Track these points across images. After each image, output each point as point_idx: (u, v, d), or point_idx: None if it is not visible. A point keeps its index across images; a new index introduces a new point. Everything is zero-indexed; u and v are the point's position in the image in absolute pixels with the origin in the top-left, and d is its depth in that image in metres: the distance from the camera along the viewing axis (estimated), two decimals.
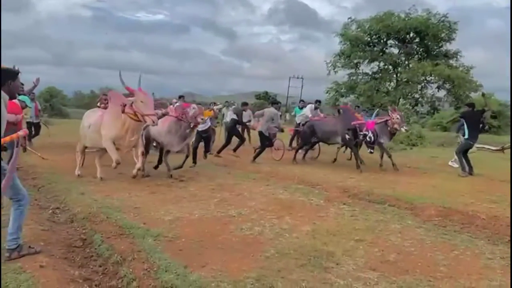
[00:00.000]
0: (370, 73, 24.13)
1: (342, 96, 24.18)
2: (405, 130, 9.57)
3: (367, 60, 23.66)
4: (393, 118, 8.66)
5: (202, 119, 7.04)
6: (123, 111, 5.80)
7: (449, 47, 22.64)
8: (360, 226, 4.38)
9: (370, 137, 8.23)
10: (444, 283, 2.94)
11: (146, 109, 5.69)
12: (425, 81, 22.52)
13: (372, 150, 8.52)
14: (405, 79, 22.25)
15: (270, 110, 9.33)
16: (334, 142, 9.35)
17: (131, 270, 3.01)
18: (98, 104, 8.65)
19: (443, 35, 21.92)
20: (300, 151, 9.81)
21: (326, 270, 3.13)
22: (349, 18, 24.15)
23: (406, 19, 21.96)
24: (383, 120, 8.87)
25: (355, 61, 23.82)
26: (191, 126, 6.84)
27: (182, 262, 3.14)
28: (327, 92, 24.70)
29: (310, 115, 10.39)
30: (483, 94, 11.91)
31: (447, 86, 21.64)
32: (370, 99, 22.23)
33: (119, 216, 4.36)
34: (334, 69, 24.46)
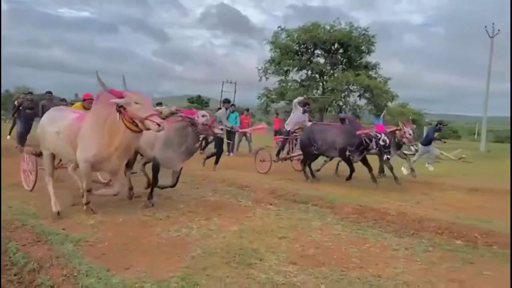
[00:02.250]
0: (299, 80, 25.19)
1: (273, 102, 24.95)
2: (415, 149, 8.90)
3: (296, 68, 24.67)
4: (405, 132, 7.75)
5: (221, 129, 5.64)
6: (119, 112, 4.16)
7: (370, 59, 24.48)
8: (284, 224, 4.60)
9: (384, 140, 6.96)
10: (355, 272, 3.23)
11: (144, 110, 4.10)
12: (348, 90, 24.05)
13: (389, 156, 7.14)
14: (331, 87, 23.55)
15: (220, 111, 9.16)
16: (332, 156, 8.14)
17: (48, 277, 2.88)
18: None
19: (363, 47, 23.63)
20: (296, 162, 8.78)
21: (250, 266, 3.26)
22: (279, 27, 25.05)
23: (331, 30, 23.33)
24: (393, 129, 7.84)
25: (285, 68, 24.71)
26: (200, 138, 5.51)
27: (105, 266, 3.07)
28: (258, 98, 25.36)
29: (299, 120, 9.03)
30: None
31: (367, 95, 23.33)
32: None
33: (36, 223, 4.12)
34: (265, 75, 25.18)
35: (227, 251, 3.56)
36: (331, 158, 8.66)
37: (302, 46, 24.60)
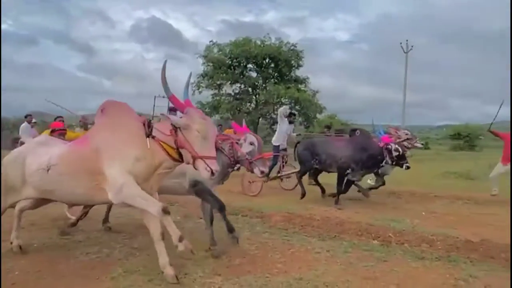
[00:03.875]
0: (233, 94, 25.46)
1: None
2: (422, 144, 8.30)
3: (229, 82, 24.92)
4: (401, 137, 7.36)
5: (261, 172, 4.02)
6: (148, 135, 3.13)
7: (300, 73, 25.51)
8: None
9: (397, 149, 6.31)
10: (278, 277, 3.31)
11: (204, 147, 3.00)
12: (280, 103, 24.77)
13: (408, 165, 6.41)
14: (263, 100, 24.12)
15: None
16: (333, 171, 7.07)
17: None
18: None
19: (293, 62, 24.60)
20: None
21: (185, 275, 3.22)
22: (210, 41, 25.23)
23: (262, 45, 24.00)
24: (402, 140, 7.27)
25: (218, 82, 24.86)
26: (235, 167, 4.21)
27: None
28: None
29: (287, 133, 8.45)
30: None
31: (297, 107, 24.22)
32: (234, 118, 23.41)
33: None
34: (198, 89, 25.09)
35: (150, 269, 3.46)
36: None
37: (235, 60, 24.95)
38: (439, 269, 3.62)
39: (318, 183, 7.52)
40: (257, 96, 25.09)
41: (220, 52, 24.63)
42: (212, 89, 25.20)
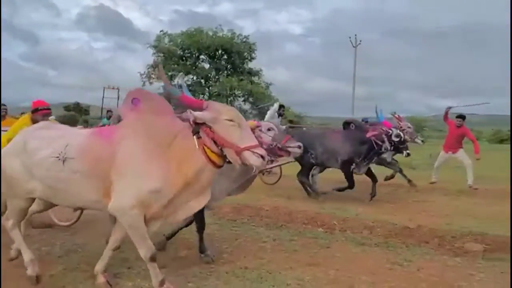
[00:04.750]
0: (185, 85, 25.09)
1: None
2: (422, 141, 8.20)
3: (181, 73, 24.50)
4: (402, 128, 7.11)
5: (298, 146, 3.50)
6: (196, 133, 2.61)
7: (253, 65, 25.61)
8: (161, 230, 4.52)
9: (397, 135, 6.07)
10: (223, 267, 3.35)
11: (244, 136, 2.59)
12: (233, 95, 24.78)
13: (408, 151, 6.34)
14: (216, 92, 24.00)
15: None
16: (331, 166, 6.88)
17: None
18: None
19: (245, 54, 24.65)
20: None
21: (116, 275, 3.14)
22: (161, 31, 24.64)
23: (214, 37, 23.80)
24: (402, 129, 6.99)
25: (170, 73, 24.35)
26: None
27: None
28: None
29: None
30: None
31: (251, 99, 24.39)
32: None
33: None
34: (149, 80, 24.45)
35: (92, 265, 3.35)
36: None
37: (187, 51, 24.57)
38: (377, 254, 3.82)
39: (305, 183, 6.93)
40: (209, 88, 24.92)
41: (171, 43, 24.15)
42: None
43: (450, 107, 8.08)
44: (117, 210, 2.64)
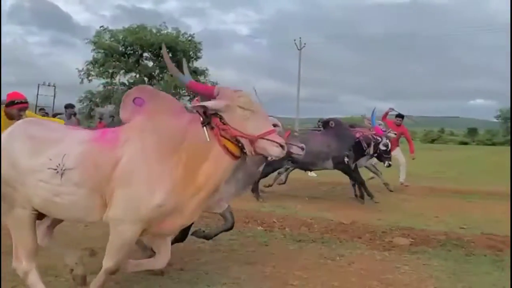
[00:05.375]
0: (127, 83, 24.21)
1: (98, 105, 23.31)
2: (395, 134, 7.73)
3: (123, 71, 23.64)
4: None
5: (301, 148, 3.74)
6: (207, 123, 2.33)
7: (199, 64, 25.34)
8: (93, 234, 4.31)
9: (385, 144, 6.13)
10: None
11: (257, 122, 2.34)
12: (178, 94, 24.34)
13: (390, 162, 6.32)
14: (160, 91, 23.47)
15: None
16: (320, 168, 6.73)
17: None
18: None
19: (191, 53, 24.32)
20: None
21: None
22: (101, 27, 23.60)
23: (158, 34, 23.23)
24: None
25: (111, 70, 23.41)
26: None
27: None
28: (80, 102, 23.33)
29: None
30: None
31: (196, 99, 24.15)
32: None
33: None
34: (88, 77, 23.32)
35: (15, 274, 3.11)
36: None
37: (129, 48, 23.74)
38: (312, 250, 3.94)
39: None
40: (153, 86, 24.29)
41: (113, 39, 23.20)
42: (103, 78, 23.67)
43: (392, 108, 8.57)
44: (113, 220, 2.34)
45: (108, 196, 2.35)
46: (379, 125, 6.94)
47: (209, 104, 2.28)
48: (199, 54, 24.46)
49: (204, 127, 2.30)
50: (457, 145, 51.65)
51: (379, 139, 6.19)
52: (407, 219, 5.32)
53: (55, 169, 2.36)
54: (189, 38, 23.93)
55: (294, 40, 31.01)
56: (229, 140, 2.29)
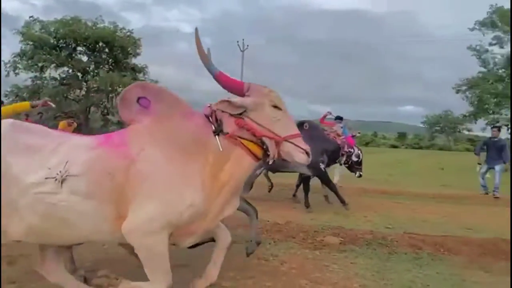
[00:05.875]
0: (58, 78, 22.73)
1: (25, 100, 21.60)
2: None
3: (53, 64, 22.14)
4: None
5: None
6: (218, 132, 2.25)
7: (138, 61, 24.45)
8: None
9: (358, 155, 6.15)
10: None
11: (287, 124, 2.30)
12: (114, 91, 23.32)
13: (361, 173, 6.44)
14: (95, 87, 22.30)
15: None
16: (291, 171, 6.33)
17: None
18: None
19: (129, 49, 23.41)
20: None
21: None
22: (30, 17, 21.92)
23: (94, 27, 22.08)
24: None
25: (40, 64, 21.80)
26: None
27: None
28: (6, 96, 21.45)
29: None
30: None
31: None
32: (59, 105, 20.92)
33: None
34: (14, 70, 21.51)
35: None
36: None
37: (61, 41, 22.28)
38: None
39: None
40: (87, 82, 23.01)
41: (43, 30, 21.63)
42: (32, 72, 21.97)
43: (329, 112, 8.90)
44: (133, 232, 2.10)
45: (123, 206, 2.12)
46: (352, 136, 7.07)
47: (237, 101, 2.19)
48: (138, 51, 23.63)
49: (216, 136, 2.21)
50: (388, 148, 55.08)
51: (352, 150, 6.25)
52: (339, 219, 5.56)
53: (54, 178, 2.09)
54: (128, 33, 23.05)
55: (237, 41, 31.22)
56: (251, 141, 2.21)
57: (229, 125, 2.24)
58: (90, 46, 22.72)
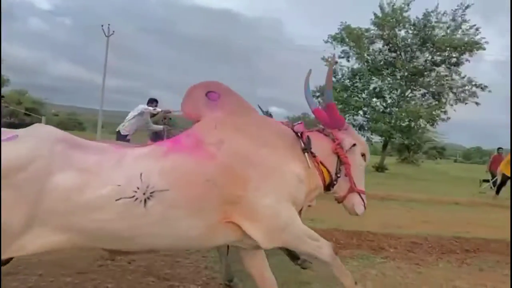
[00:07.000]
0: None
1: None
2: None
3: None
4: None
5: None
6: (307, 150, 2.13)
7: None
8: None
9: None
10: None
11: (362, 177, 2.33)
12: None
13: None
14: None
15: None
16: None
17: None
18: None
19: None
20: None
21: None
22: None
23: None
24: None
25: None
26: None
27: None
28: None
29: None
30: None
31: None
32: None
33: None
34: None
35: None
36: None
37: None
38: (92, 253, 3.65)
39: None
40: None
41: None
42: None
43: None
44: (273, 235, 1.94)
45: (229, 208, 1.88)
46: None
47: (348, 142, 2.24)
48: None
49: (306, 153, 2.15)
50: None
51: None
52: None
53: (135, 198, 1.71)
54: None
55: (102, 25, 28.79)
56: (328, 172, 2.21)
57: (318, 147, 2.22)
58: None
